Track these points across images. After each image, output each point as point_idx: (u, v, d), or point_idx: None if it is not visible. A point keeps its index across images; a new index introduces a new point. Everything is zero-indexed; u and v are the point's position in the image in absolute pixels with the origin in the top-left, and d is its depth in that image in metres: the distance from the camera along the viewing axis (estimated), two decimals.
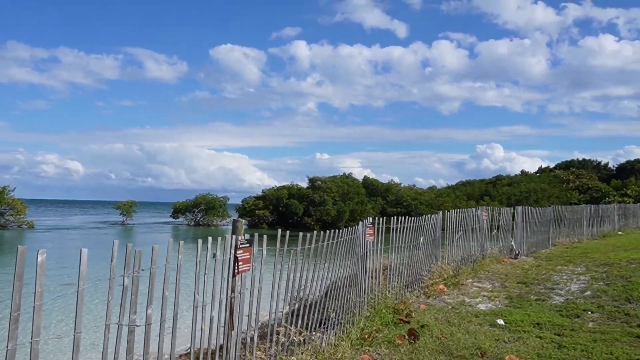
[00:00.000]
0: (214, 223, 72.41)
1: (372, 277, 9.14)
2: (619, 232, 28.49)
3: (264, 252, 6.33)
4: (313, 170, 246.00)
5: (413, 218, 11.17)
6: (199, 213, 73.87)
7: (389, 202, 73.04)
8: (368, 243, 9.10)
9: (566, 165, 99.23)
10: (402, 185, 79.87)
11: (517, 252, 17.04)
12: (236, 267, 5.65)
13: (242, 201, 76.26)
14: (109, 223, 74.60)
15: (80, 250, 4.29)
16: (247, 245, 5.82)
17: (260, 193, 76.83)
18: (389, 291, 9.43)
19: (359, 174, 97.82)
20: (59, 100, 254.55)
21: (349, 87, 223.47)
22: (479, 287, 11.87)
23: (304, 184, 75.11)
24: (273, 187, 76.00)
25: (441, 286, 10.95)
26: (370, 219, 9.68)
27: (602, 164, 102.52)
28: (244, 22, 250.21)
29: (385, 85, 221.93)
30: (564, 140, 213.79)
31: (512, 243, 17.13)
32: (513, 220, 17.97)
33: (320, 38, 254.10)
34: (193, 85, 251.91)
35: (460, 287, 11.66)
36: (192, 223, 73.19)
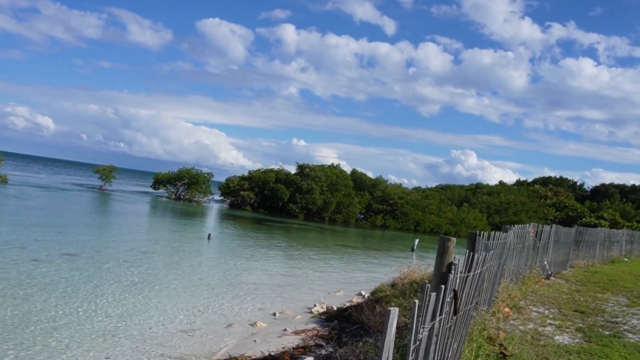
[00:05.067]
0: (196, 199, 70.48)
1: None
2: (625, 259, 27.86)
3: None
4: (288, 155, 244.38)
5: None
6: (181, 187, 71.84)
7: (375, 198, 71.96)
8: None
9: (544, 182, 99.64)
10: (389, 182, 78.85)
11: (549, 272, 16.00)
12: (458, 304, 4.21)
13: (227, 180, 74.53)
14: (85, 186, 72.13)
15: None
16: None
17: (245, 174, 75.29)
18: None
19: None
20: (35, 52, 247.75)
21: (332, 77, 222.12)
22: (539, 313, 10.72)
23: (292, 169, 73.71)
24: (260, 169, 74.44)
25: (506, 309, 9.78)
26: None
27: (578, 184, 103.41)
28: None
29: (369, 80, 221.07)
30: (535, 156, 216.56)
31: (545, 263, 16.08)
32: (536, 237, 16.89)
33: (309, 24, 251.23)
34: (176, 55, 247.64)
35: (519, 311, 10.51)
36: (173, 196, 71.14)
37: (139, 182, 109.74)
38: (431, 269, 16.05)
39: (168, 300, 14.72)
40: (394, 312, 2.39)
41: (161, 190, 73.60)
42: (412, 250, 39.57)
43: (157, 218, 46.09)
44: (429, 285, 3.15)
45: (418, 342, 2.99)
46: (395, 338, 9.33)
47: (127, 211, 46.76)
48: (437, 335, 3.69)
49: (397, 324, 9.31)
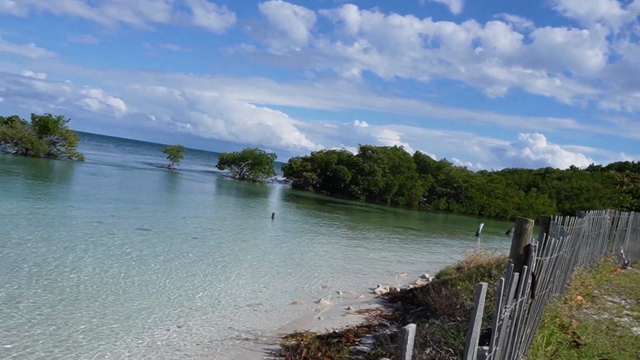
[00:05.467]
0: (260, 179, 71.52)
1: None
2: None
3: None
4: (350, 137, 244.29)
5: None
6: (245, 167, 73.02)
7: (439, 181, 70.95)
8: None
9: (620, 167, 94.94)
10: (453, 165, 77.42)
11: (626, 261, 15.35)
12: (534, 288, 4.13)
13: (290, 161, 75.22)
14: (155, 165, 74.47)
15: None
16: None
17: (307, 155, 75.76)
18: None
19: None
20: (106, 37, 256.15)
21: (395, 58, 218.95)
22: (614, 303, 10.32)
23: (354, 151, 73.60)
24: (322, 151, 74.71)
25: (579, 297, 9.46)
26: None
27: None
28: None
29: (433, 61, 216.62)
30: (611, 139, 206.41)
31: (622, 251, 15.43)
32: (613, 225, 16.18)
33: (372, 4, 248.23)
34: (239, 38, 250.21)
35: (593, 300, 10.15)
36: (237, 176, 72.46)
37: (204, 162, 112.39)
38: (497, 254, 15.74)
39: (234, 276, 15.06)
40: (484, 286, 2.34)
41: (226, 170, 75.12)
42: (477, 234, 38.87)
43: (223, 197, 47.11)
44: (512, 264, 3.06)
45: (500, 322, 2.92)
46: (462, 321, 9.23)
47: (194, 189, 48.04)
48: (516, 317, 3.60)
49: (465, 307, 9.15)
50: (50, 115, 56.53)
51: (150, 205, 30.21)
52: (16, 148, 54.17)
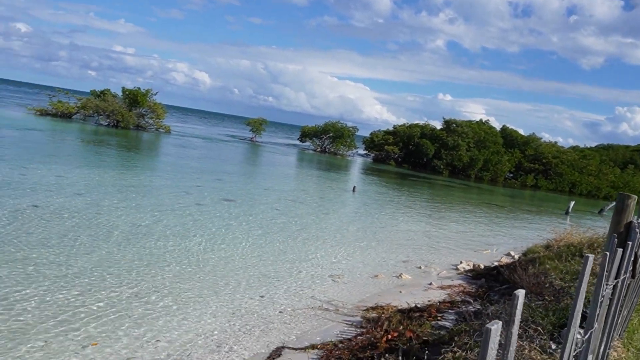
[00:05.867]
0: (341, 152, 71.64)
1: None
2: None
3: None
4: (433, 110, 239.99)
5: None
6: (326, 140, 73.32)
7: (526, 157, 68.41)
8: None
9: None
10: (542, 140, 74.29)
11: None
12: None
13: (371, 134, 74.79)
14: (237, 137, 76.18)
15: None
16: None
17: (389, 128, 75.06)
18: None
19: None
20: (192, 11, 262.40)
21: (482, 28, 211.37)
22: None
23: (437, 125, 72.18)
24: (405, 124, 73.78)
25: None
26: None
27: None
28: None
29: (523, 30, 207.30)
30: None
31: None
32: None
33: None
34: (322, 10, 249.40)
35: None
36: (319, 149, 72.93)
37: (286, 135, 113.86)
38: (590, 233, 14.98)
39: (316, 248, 15.21)
40: (590, 258, 2.18)
41: (307, 143, 75.74)
42: (567, 213, 37.28)
43: (304, 169, 47.60)
44: (616, 238, 2.85)
45: (602, 298, 2.73)
46: (551, 300, 8.86)
47: (276, 162, 48.83)
48: (616, 297, 3.37)
49: (554, 286, 8.75)
50: (139, 88, 58.82)
51: (234, 176, 30.99)
52: (108, 120, 56.87)
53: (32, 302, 8.33)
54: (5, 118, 45.40)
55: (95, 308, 8.45)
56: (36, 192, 16.62)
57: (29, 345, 6.92)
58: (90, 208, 15.64)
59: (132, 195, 19.21)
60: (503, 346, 1.56)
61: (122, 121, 55.81)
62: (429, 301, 10.71)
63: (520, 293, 1.56)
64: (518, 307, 1.50)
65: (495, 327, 1.41)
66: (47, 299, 8.53)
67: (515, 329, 1.57)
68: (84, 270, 10.21)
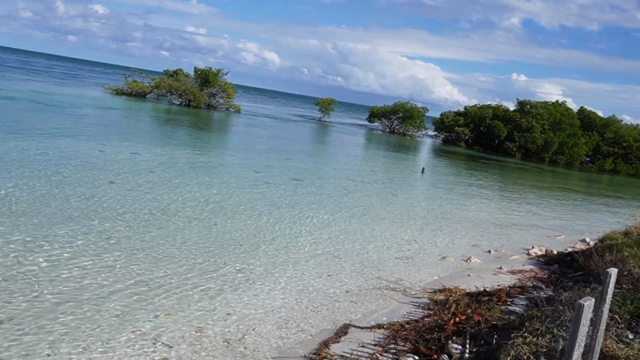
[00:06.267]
0: (410, 133, 70.80)
1: None
2: None
3: None
4: (507, 91, 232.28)
5: None
6: (395, 120, 72.63)
7: (605, 140, 65.37)
8: None
9: None
10: (623, 123, 70.64)
11: None
12: None
13: (441, 115, 73.42)
14: (306, 117, 76.59)
15: None
16: None
17: (460, 109, 73.49)
18: None
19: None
20: None
21: (560, 5, 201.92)
22: None
23: (510, 106, 70.01)
24: (476, 105, 71.94)
25: None
26: None
27: None
28: None
29: (604, 7, 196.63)
30: None
31: None
32: None
33: None
34: None
35: None
36: (387, 130, 72.38)
37: (355, 115, 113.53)
38: None
39: (384, 228, 15.17)
40: None
41: (376, 124, 75.31)
42: None
43: (372, 150, 47.38)
44: None
45: None
46: (629, 289, 8.50)
47: (345, 142, 48.83)
48: None
49: (632, 275, 8.40)
50: (210, 68, 60.00)
51: (302, 156, 31.27)
52: (180, 99, 58.40)
53: (109, 272, 8.74)
54: (85, 97, 47.48)
55: (167, 280, 8.79)
56: (113, 168, 17.35)
57: (106, 313, 7.28)
58: (163, 185, 16.19)
59: (203, 172, 19.75)
60: (593, 323, 1.52)
61: (194, 100, 57.17)
62: (498, 285, 10.50)
63: (613, 272, 1.51)
64: (610, 285, 1.45)
65: (589, 304, 1.37)
66: (122, 270, 8.94)
67: (607, 307, 1.52)
68: (157, 244, 10.62)
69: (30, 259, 8.78)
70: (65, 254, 9.22)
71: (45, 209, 11.73)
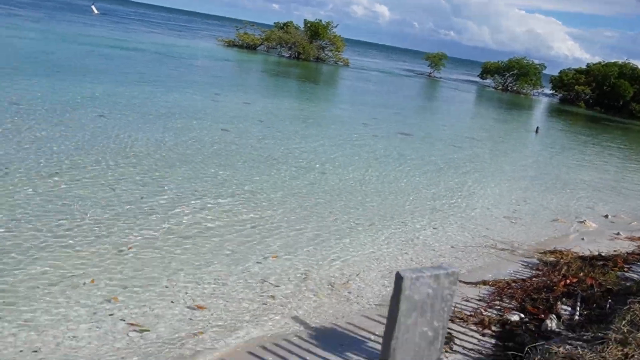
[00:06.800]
0: (524, 91, 67.48)
1: None
2: None
3: None
4: (636, 48, 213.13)
5: None
6: (509, 77, 69.43)
7: None
8: None
9: None
10: None
11: None
12: None
13: (560, 72, 69.25)
14: (415, 72, 75.04)
15: None
16: None
17: (581, 67, 68.83)
18: None
19: None
20: None
21: None
22: None
23: (639, 64, 64.56)
24: (600, 62, 67.04)
25: None
26: None
27: None
28: None
29: None
30: None
31: None
32: None
33: None
34: None
35: None
36: (500, 87, 69.44)
37: (466, 71, 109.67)
38: None
39: (493, 187, 14.74)
40: None
41: (488, 80, 72.49)
42: None
43: (483, 107, 45.75)
44: None
45: None
46: None
47: (454, 98, 47.48)
48: None
49: None
50: (320, 20, 59.92)
51: (410, 110, 30.81)
52: (290, 52, 59.00)
53: (223, 215, 9.19)
54: (199, 49, 49.23)
55: (275, 225, 9.11)
56: (225, 117, 18.03)
57: (218, 251, 7.70)
58: (271, 135, 16.60)
59: (311, 124, 20.03)
60: None
61: (303, 53, 57.58)
62: (614, 251, 9.96)
63: None
64: None
65: None
66: (233, 213, 9.36)
67: None
68: (264, 190, 10.99)
69: (151, 197, 9.43)
70: (181, 195, 9.80)
71: (163, 153, 12.46)
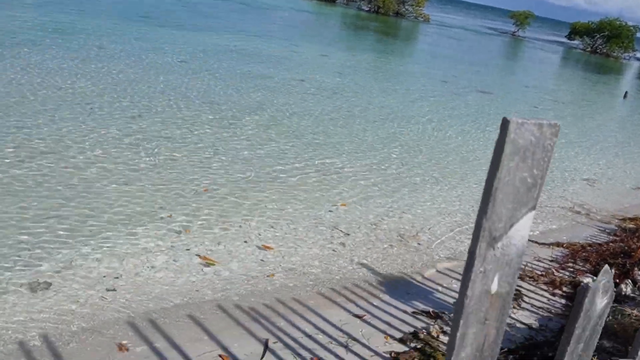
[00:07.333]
0: (615, 54, 63.68)
1: None
2: None
3: None
4: None
5: None
6: (599, 39, 65.57)
7: None
8: None
9: None
10: None
11: None
12: None
13: None
14: (499, 31, 72.23)
15: None
16: None
17: None
18: None
19: None
20: None
21: None
22: None
23: None
24: None
25: None
26: None
27: None
28: None
29: None
30: None
31: None
32: None
33: None
34: None
35: None
36: (589, 49, 65.78)
37: (552, 31, 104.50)
38: None
39: (575, 150, 14.17)
40: None
41: (576, 42, 68.81)
42: None
43: (569, 69, 43.63)
44: None
45: None
46: None
47: (539, 58, 45.51)
48: None
49: None
50: None
51: (491, 68, 29.86)
52: (369, 6, 57.92)
53: (295, 162, 9.37)
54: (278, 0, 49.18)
55: (347, 175, 9.20)
56: (303, 68, 18.10)
57: (291, 197, 7.89)
58: (348, 88, 16.55)
59: (389, 78, 19.83)
60: None
61: (383, 7, 56.42)
62: None
63: None
64: None
65: None
66: (306, 162, 9.52)
67: None
68: (337, 141, 11.07)
69: (224, 144, 9.72)
70: (250, 143, 10.03)
71: (242, 101, 12.74)
